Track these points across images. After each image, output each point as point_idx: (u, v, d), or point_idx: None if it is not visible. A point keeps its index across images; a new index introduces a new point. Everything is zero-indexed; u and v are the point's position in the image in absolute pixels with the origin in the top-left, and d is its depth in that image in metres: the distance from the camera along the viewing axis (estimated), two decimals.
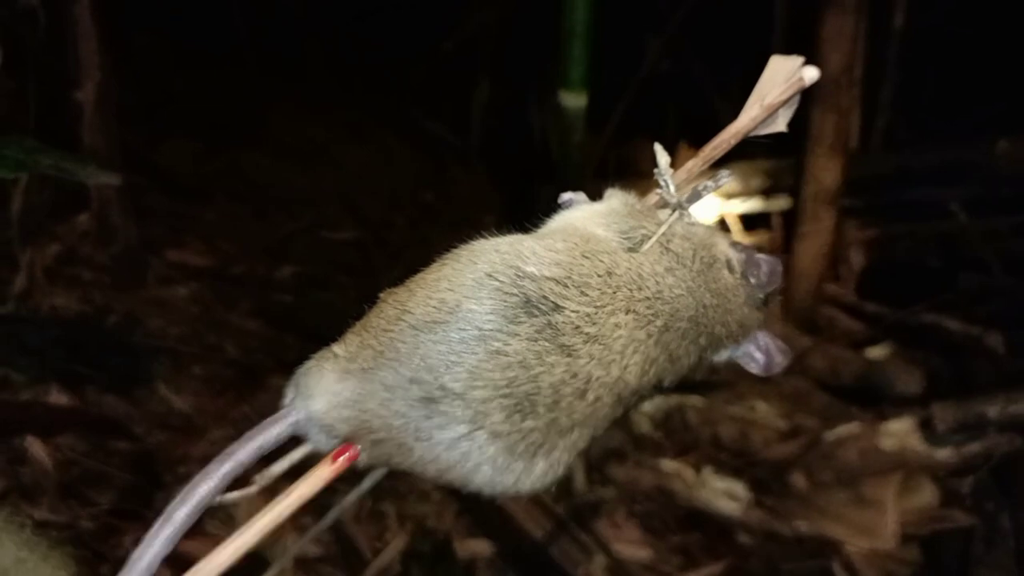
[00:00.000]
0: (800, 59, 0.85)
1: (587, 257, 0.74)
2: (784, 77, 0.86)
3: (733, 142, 0.86)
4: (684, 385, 2.88)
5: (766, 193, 3.51)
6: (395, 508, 2.21)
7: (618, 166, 4.34)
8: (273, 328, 2.83)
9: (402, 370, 0.70)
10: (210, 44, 4.12)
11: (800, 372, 2.86)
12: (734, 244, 0.84)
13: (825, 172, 2.98)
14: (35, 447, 2.01)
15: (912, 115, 3.65)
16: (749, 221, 3.69)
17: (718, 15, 4.02)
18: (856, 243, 3.37)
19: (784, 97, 0.86)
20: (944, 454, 2.35)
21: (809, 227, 3.09)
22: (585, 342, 0.71)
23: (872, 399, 2.67)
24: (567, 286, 0.72)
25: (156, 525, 0.71)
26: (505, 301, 0.70)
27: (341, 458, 0.73)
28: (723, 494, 2.34)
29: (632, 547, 2.21)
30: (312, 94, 4.53)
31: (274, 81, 4.33)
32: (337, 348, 0.75)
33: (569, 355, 0.70)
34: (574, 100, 2.71)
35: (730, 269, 0.82)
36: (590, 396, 0.71)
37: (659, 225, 0.79)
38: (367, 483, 0.83)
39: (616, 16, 3.39)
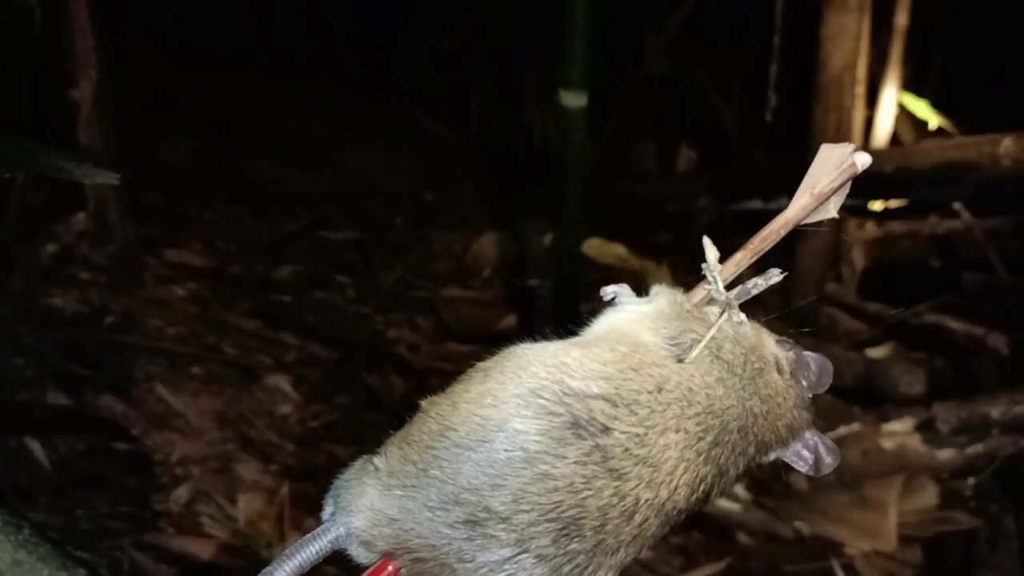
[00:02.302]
0: (852, 146, 0.82)
1: (636, 371, 0.71)
2: (835, 165, 0.84)
3: (783, 232, 0.85)
4: None
5: (766, 193, 3.50)
6: None
7: (618, 166, 4.34)
8: (272, 328, 2.82)
9: (445, 488, 0.68)
10: (209, 44, 4.11)
11: None
12: (781, 343, 0.82)
13: None
14: (33, 448, 2.01)
15: (914, 114, 3.64)
16: (749, 221, 3.69)
17: (718, 15, 4.02)
18: (857, 243, 3.36)
19: (836, 185, 0.84)
20: (946, 455, 2.34)
21: (809, 227, 3.08)
22: (634, 464, 0.68)
23: (874, 400, 2.66)
24: (616, 404, 0.69)
25: None
26: (552, 422, 0.67)
27: (383, 573, 0.71)
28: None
29: None
30: (312, 94, 4.52)
31: (274, 81, 4.32)
32: (378, 461, 0.72)
33: (618, 478, 0.68)
34: (574, 100, 2.70)
35: (779, 371, 0.79)
36: (637, 519, 0.69)
37: (707, 327, 0.76)
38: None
39: (616, 16, 3.38)
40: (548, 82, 2.89)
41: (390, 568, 0.70)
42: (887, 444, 2.38)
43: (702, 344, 0.74)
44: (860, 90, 3.23)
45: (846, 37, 2.94)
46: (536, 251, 3.58)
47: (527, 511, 0.66)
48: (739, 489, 2.36)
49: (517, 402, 0.68)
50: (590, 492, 0.67)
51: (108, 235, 2.72)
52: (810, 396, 0.81)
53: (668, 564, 2.17)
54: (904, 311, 3.08)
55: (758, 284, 0.82)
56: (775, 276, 0.83)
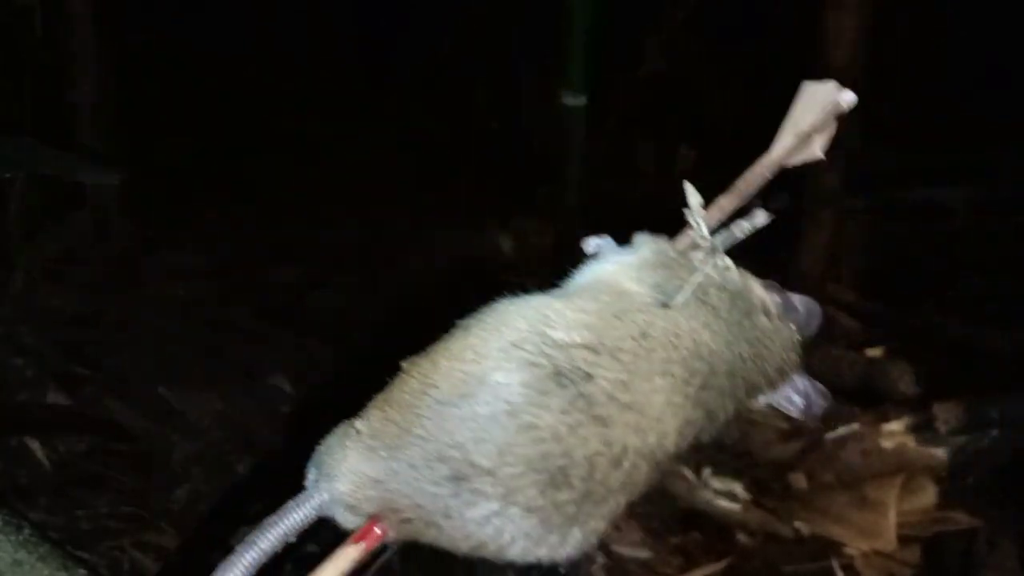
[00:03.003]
0: (833, 83, 0.82)
1: (619, 318, 0.70)
2: (819, 103, 0.83)
3: (768, 175, 0.82)
4: None
5: (766, 193, 3.50)
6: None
7: (618, 166, 4.33)
8: (273, 328, 2.82)
9: (428, 447, 0.67)
10: (209, 44, 4.11)
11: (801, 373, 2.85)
12: (768, 286, 0.82)
13: (826, 172, 2.97)
14: (33, 448, 2.01)
15: (914, 114, 3.64)
16: None
17: (718, 15, 4.02)
18: (857, 243, 3.36)
19: (819, 122, 0.83)
20: (946, 455, 2.34)
21: (809, 227, 3.08)
22: (620, 411, 0.67)
23: (873, 399, 2.66)
24: (598, 352, 0.68)
25: None
26: (534, 372, 0.66)
27: (370, 538, 0.70)
28: (723, 495, 2.33)
29: (632, 547, 2.20)
30: (312, 94, 4.52)
31: (274, 81, 4.32)
32: (359, 424, 0.70)
33: (604, 426, 0.66)
34: (574, 100, 2.71)
35: (767, 314, 0.79)
36: (626, 465, 0.68)
37: (692, 273, 0.75)
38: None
39: (616, 16, 3.38)
40: (548, 82, 2.89)
41: (376, 531, 0.69)
42: (886, 444, 2.38)
43: (687, 289, 0.73)
44: (859, 90, 3.23)
45: (845, 37, 2.93)
46: (536, 251, 3.58)
47: (512, 464, 0.65)
48: (739, 489, 2.36)
49: (498, 355, 0.67)
50: (576, 441, 0.66)
51: (109, 235, 2.72)
52: (799, 338, 0.81)
53: (668, 564, 2.17)
54: (903, 311, 3.08)
55: (744, 227, 0.81)
56: (761, 217, 0.81)
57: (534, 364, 0.67)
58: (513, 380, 0.66)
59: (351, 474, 0.69)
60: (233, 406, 2.43)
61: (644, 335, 0.70)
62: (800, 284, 3.18)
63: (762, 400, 0.80)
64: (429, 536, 0.69)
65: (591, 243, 0.83)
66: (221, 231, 3.31)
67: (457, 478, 0.66)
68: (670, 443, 0.70)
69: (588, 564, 2.07)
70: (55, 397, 2.23)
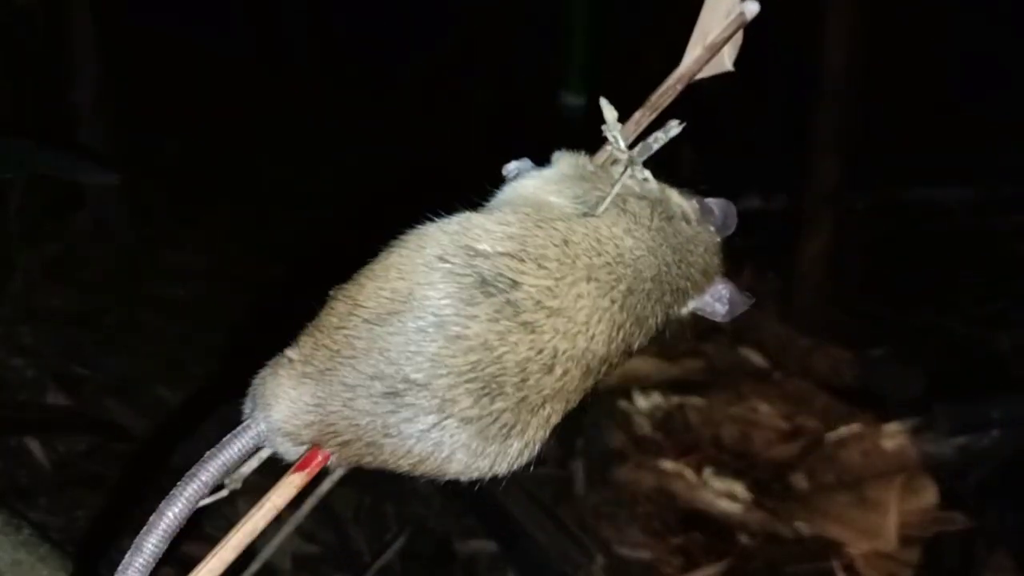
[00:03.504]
0: None
1: (540, 227, 0.71)
2: (724, 13, 0.84)
3: (679, 87, 0.85)
4: (685, 386, 2.85)
5: (766, 193, 3.50)
6: (395, 508, 2.20)
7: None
8: (272, 328, 2.82)
9: (361, 367, 0.67)
10: (209, 44, 4.11)
11: (801, 373, 2.85)
12: (685, 193, 0.83)
13: (826, 172, 2.97)
14: (33, 448, 2.01)
15: (914, 114, 3.64)
16: (749, 221, 3.69)
17: None
18: (857, 243, 3.36)
19: (727, 34, 0.83)
20: (946, 455, 2.34)
21: (809, 227, 3.08)
22: (548, 316, 0.68)
23: (874, 400, 2.66)
24: (523, 260, 0.69)
25: (127, 556, 0.69)
26: (459, 283, 0.67)
27: (311, 464, 0.70)
28: (724, 495, 2.33)
29: (633, 548, 2.20)
30: (312, 94, 4.52)
31: (274, 81, 4.32)
32: (291, 352, 0.72)
33: (532, 332, 0.67)
34: (574, 100, 2.70)
35: (687, 220, 0.80)
36: (558, 370, 0.69)
37: (612, 185, 0.76)
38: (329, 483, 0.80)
39: (616, 16, 3.38)
40: (548, 82, 2.89)
41: (319, 458, 0.69)
42: (887, 444, 2.38)
43: (608, 198, 0.74)
44: (859, 90, 3.23)
45: (846, 37, 2.93)
46: None
47: (444, 375, 0.66)
48: (739, 489, 2.36)
49: (423, 270, 0.69)
50: (506, 348, 0.66)
51: (108, 235, 2.72)
52: (718, 240, 0.82)
53: (668, 564, 2.17)
54: (904, 312, 3.08)
55: (659, 138, 0.82)
56: (674, 128, 0.83)
57: (459, 275, 0.68)
58: (439, 292, 0.67)
59: (287, 401, 0.70)
60: (232, 407, 2.43)
61: (567, 242, 0.71)
62: (800, 284, 3.19)
63: (688, 307, 0.80)
64: (370, 457, 0.69)
65: (510, 166, 0.83)
66: (221, 231, 3.30)
67: (392, 394, 0.66)
68: (600, 347, 0.70)
69: (588, 565, 2.07)
70: (55, 397, 2.22)
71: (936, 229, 3.38)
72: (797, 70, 3.36)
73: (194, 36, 4.11)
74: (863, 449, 2.40)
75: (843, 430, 2.47)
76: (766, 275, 3.57)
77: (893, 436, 2.40)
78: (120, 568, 0.69)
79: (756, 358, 2.94)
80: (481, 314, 0.67)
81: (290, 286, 3.16)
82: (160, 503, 0.68)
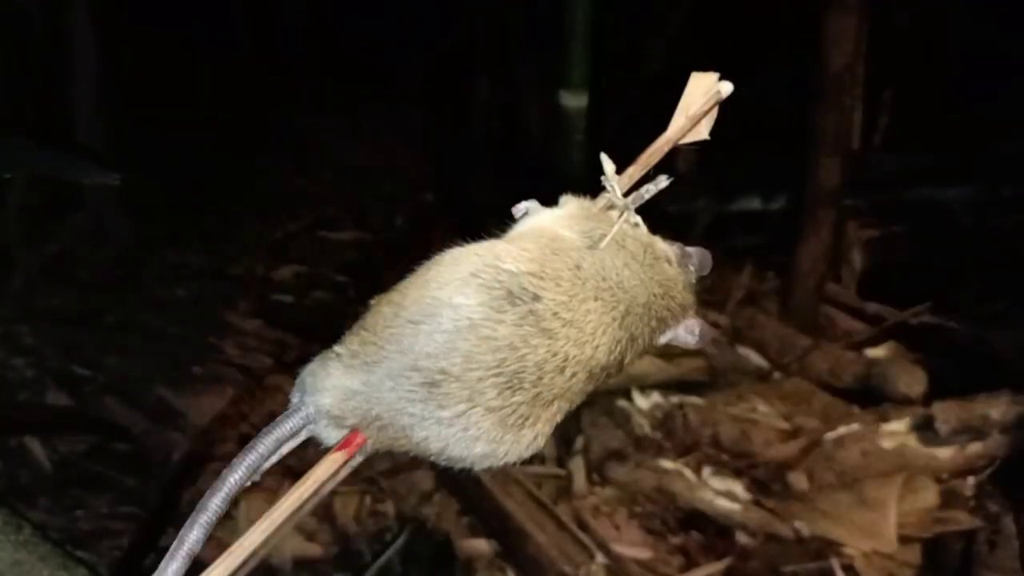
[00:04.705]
0: (716, 75, 0.98)
1: (556, 254, 0.84)
2: (703, 91, 0.99)
3: (666, 149, 1.00)
4: (684, 386, 2.84)
5: (766, 193, 3.49)
6: (395, 508, 2.20)
7: (618, 166, 4.33)
8: (272, 328, 2.82)
9: (403, 359, 0.78)
10: (210, 43, 4.11)
11: (801, 373, 2.85)
12: (668, 242, 0.98)
13: (826, 172, 2.97)
14: (33, 448, 2.01)
15: (914, 114, 3.64)
16: (749, 221, 3.69)
17: (718, 15, 4.01)
18: (857, 243, 3.36)
19: (705, 109, 0.98)
20: (946, 455, 2.34)
21: (809, 227, 3.08)
22: (563, 326, 0.81)
23: (874, 400, 2.66)
24: (543, 278, 0.81)
25: (192, 515, 0.77)
26: (490, 294, 0.79)
27: (352, 444, 0.80)
28: (723, 495, 2.34)
29: (632, 547, 2.20)
30: (312, 94, 4.52)
31: (274, 81, 4.32)
32: (338, 348, 0.82)
33: (550, 337, 0.80)
34: (574, 100, 2.70)
35: (669, 262, 0.95)
36: (568, 372, 0.81)
37: (612, 225, 0.91)
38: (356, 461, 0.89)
39: (616, 16, 3.38)
40: (548, 82, 2.89)
41: (358, 439, 0.80)
42: (887, 444, 2.38)
43: (611, 234, 0.90)
44: (859, 91, 3.23)
45: (846, 37, 2.93)
46: None
47: (476, 368, 0.78)
48: (739, 489, 2.36)
49: (459, 283, 0.81)
50: (527, 350, 0.80)
51: (108, 235, 2.72)
52: (694, 280, 0.98)
53: (668, 564, 2.18)
54: (904, 312, 3.08)
55: (649, 189, 0.98)
56: (663, 181, 0.98)
57: (490, 288, 0.80)
58: (473, 301, 0.79)
59: (334, 388, 0.80)
60: (233, 406, 2.44)
61: (578, 267, 0.85)
62: (800, 284, 3.19)
63: (667, 336, 0.95)
64: (404, 440, 0.80)
65: (520, 206, 0.98)
66: (221, 231, 3.31)
67: (429, 384, 0.78)
68: (602, 355, 0.84)
69: (588, 564, 2.07)
70: (55, 397, 2.23)
71: (936, 229, 3.38)
72: (797, 70, 3.36)
73: (194, 36, 4.11)
74: (863, 449, 2.40)
75: (843, 430, 2.47)
76: (766, 275, 3.58)
77: (893, 436, 2.40)
78: (186, 525, 0.76)
79: (756, 358, 2.94)
80: (508, 320, 0.79)
81: (291, 286, 3.17)
82: (223, 471, 0.78)
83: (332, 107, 4.46)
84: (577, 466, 2.41)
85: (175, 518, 2.05)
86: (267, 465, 0.82)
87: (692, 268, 0.98)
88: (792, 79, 3.70)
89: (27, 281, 2.53)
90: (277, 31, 4.60)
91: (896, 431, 2.40)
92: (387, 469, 2.34)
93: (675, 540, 2.25)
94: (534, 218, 0.95)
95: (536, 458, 2.40)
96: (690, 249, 0.99)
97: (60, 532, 1.85)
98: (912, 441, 2.37)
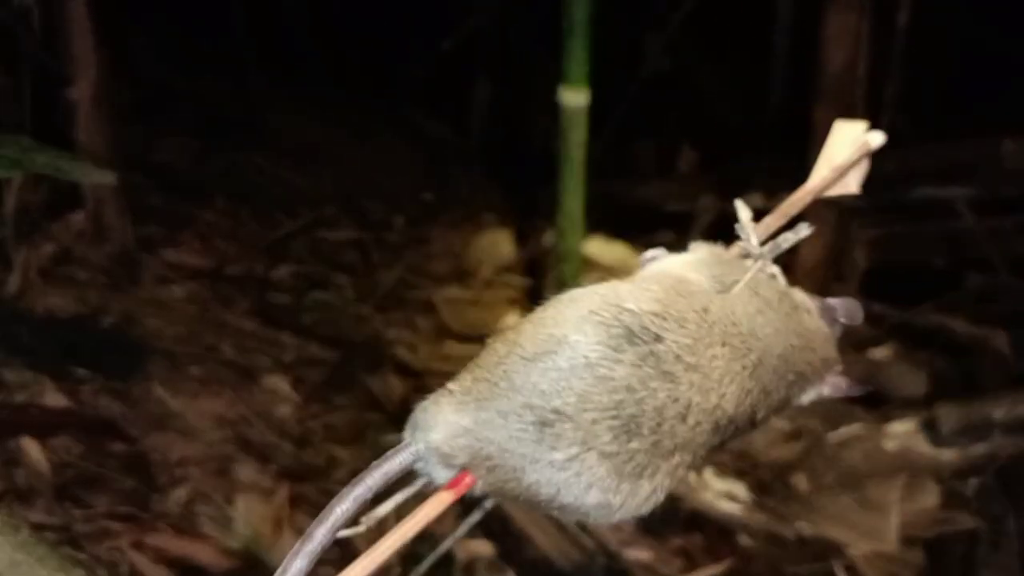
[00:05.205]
0: (864, 124, 0.93)
1: (682, 296, 0.79)
2: (851, 141, 0.94)
3: (808, 199, 0.96)
4: None
5: (766, 193, 3.49)
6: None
7: (618, 166, 4.33)
8: (271, 328, 2.82)
9: (516, 397, 0.74)
10: (209, 43, 4.11)
11: None
12: (807, 294, 0.93)
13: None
14: (30, 449, 2.00)
15: (917, 114, 3.64)
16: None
17: (718, 15, 4.01)
18: (859, 243, 3.35)
19: (852, 160, 0.93)
20: (949, 456, 2.33)
21: (811, 227, 3.07)
22: (685, 370, 0.75)
23: (876, 400, 2.65)
24: (666, 319, 0.76)
25: (298, 544, 0.76)
26: (609, 332, 0.75)
27: (461, 485, 0.78)
28: (725, 496, 2.33)
29: (633, 549, 2.20)
30: (312, 94, 4.51)
31: (274, 81, 4.31)
32: (451, 385, 0.79)
33: (671, 381, 0.74)
34: (575, 99, 2.70)
35: (808, 313, 0.90)
36: (691, 420, 0.76)
37: (745, 272, 0.86)
38: (476, 516, 0.88)
39: (616, 16, 3.38)
40: (549, 81, 2.88)
41: (468, 480, 0.78)
42: (889, 445, 2.38)
43: (746, 278, 0.85)
44: (861, 90, 3.22)
45: (847, 36, 2.93)
46: (536, 251, 3.58)
47: (591, 409, 0.73)
48: (740, 490, 2.35)
49: (577, 320, 0.76)
50: (646, 392, 0.74)
51: (106, 235, 2.72)
52: (837, 335, 0.93)
53: (669, 565, 2.17)
54: (906, 312, 3.07)
55: (788, 238, 0.93)
56: (804, 230, 0.93)
57: (609, 326, 0.75)
58: (591, 339, 0.74)
59: (445, 425, 0.76)
60: (232, 407, 2.43)
61: (706, 310, 0.79)
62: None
63: (810, 395, 0.90)
64: (514, 483, 0.76)
65: (648, 254, 0.93)
66: (221, 231, 3.30)
67: (542, 424, 0.73)
68: (729, 406, 0.78)
69: (588, 565, 2.06)
70: (54, 397, 2.22)
71: (937, 229, 3.37)
72: (797, 70, 3.36)
73: (194, 36, 4.10)
74: (864, 450, 2.39)
75: (844, 431, 2.46)
76: None
77: (895, 437, 2.39)
78: (290, 554, 0.75)
79: None
80: (627, 360, 0.74)
81: (291, 286, 3.16)
82: (331, 502, 0.77)
83: (332, 107, 4.45)
84: None
85: (175, 518, 2.05)
86: (380, 513, 0.82)
87: (841, 320, 0.93)
88: (792, 79, 3.70)
89: (26, 281, 2.52)
90: (277, 31, 4.59)
91: (898, 432, 2.39)
92: None
93: (676, 541, 2.24)
94: (662, 262, 0.90)
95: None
96: (833, 301, 0.94)
97: (58, 533, 1.84)
98: (914, 442, 2.36)
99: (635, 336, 0.75)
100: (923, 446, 2.34)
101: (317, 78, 4.65)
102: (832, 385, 0.91)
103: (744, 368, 0.79)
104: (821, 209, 3.04)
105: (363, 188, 4.00)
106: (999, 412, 2.30)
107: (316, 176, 3.96)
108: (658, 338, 0.75)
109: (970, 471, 2.33)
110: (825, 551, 2.21)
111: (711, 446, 0.79)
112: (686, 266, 0.86)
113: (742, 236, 0.92)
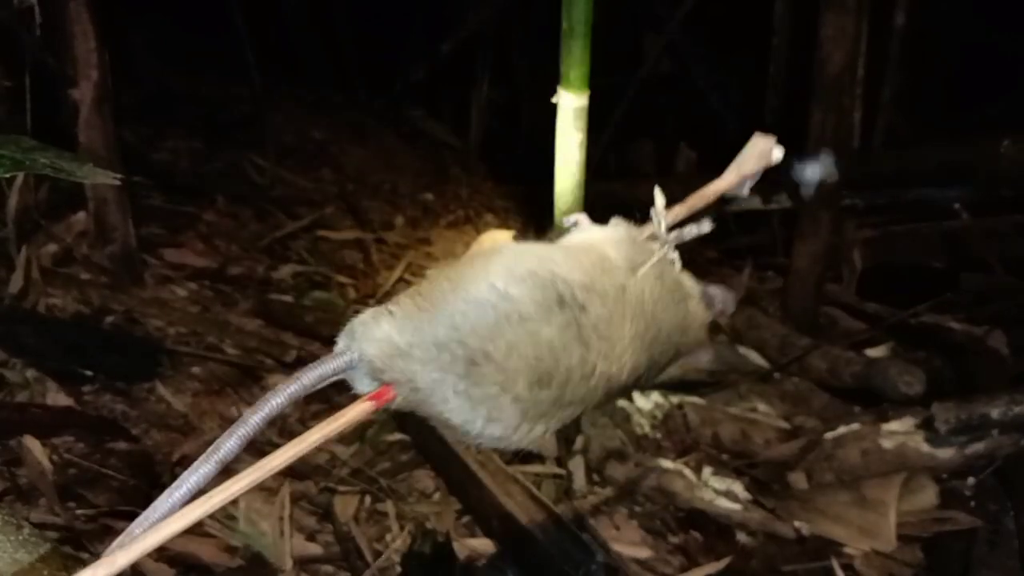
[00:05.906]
0: (773, 139, 1.05)
1: (605, 273, 0.90)
2: (759, 154, 1.05)
3: (712, 198, 1.07)
4: (684, 386, 2.84)
5: (766, 193, 3.50)
6: (395, 508, 2.20)
7: (618, 166, 4.33)
8: (272, 328, 2.82)
9: (452, 334, 0.81)
10: (210, 43, 4.11)
11: (800, 372, 2.86)
12: (694, 280, 1.05)
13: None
14: (33, 448, 2.00)
15: (913, 114, 3.64)
16: (749, 221, 3.69)
17: (718, 15, 4.02)
18: (857, 243, 3.36)
19: (756, 170, 1.06)
20: (946, 455, 2.34)
21: (809, 227, 3.08)
22: (599, 339, 0.86)
23: (873, 399, 2.66)
24: (591, 292, 0.86)
25: (232, 426, 0.79)
26: (544, 293, 0.84)
27: (383, 398, 0.83)
28: (723, 494, 2.33)
29: (632, 547, 2.20)
30: (312, 94, 4.52)
31: (274, 81, 4.32)
32: (391, 307, 0.86)
33: (585, 347, 0.84)
34: (574, 100, 2.70)
35: (694, 300, 1.02)
36: (592, 382, 0.86)
37: (652, 256, 0.97)
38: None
39: (616, 16, 3.38)
40: (547, 82, 2.89)
41: (389, 395, 0.83)
42: (886, 444, 2.38)
43: (651, 261, 0.95)
44: (859, 91, 3.23)
45: (845, 37, 2.93)
46: None
47: (516, 358, 0.82)
48: (738, 489, 2.36)
49: (519, 276, 0.85)
50: (564, 353, 0.84)
51: (108, 235, 2.72)
52: (711, 318, 1.05)
53: (667, 564, 2.18)
54: (903, 311, 3.08)
55: (691, 230, 1.04)
56: (706, 225, 1.05)
57: (545, 287, 0.84)
58: (527, 296, 0.83)
59: (382, 342, 0.83)
60: (233, 406, 2.44)
61: (623, 289, 0.90)
62: (800, 284, 3.19)
63: (681, 360, 1.02)
64: (428, 406, 0.83)
65: (571, 218, 1.06)
66: (221, 231, 3.31)
67: (471, 361, 0.81)
68: (624, 374, 0.89)
69: (588, 564, 2.07)
70: (55, 397, 2.22)
71: (936, 229, 3.38)
72: (795, 71, 3.36)
73: (194, 36, 4.11)
74: (862, 448, 2.40)
75: (842, 429, 2.47)
76: (766, 275, 3.58)
77: (892, 436, 2.39)
78: (224, 434, 0.79)
79: (756, 358, 2.94)
80: (555, 322, 0.84)
81: (291, 286, 3.17)
82: (266, 395, 0.82)
83: (332, 107, 4.46)
84: (577, 466, 2.41)
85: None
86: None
87: (718, 307, 1.05)
88: (790, 80, 3.71)
89: (26, 280, 2.52)
90: (277, 31, 4.60)
91: (896, 431, 2.40)
92: (387, 469, 2.34)
93: (675, 540, 2.25)
94: (586, 233, 1.01)
95: (536, 458, 2.40)
96: (712, 289, 1.06)
97: (60, 532, 1.85)
98: (912, 441, 2.37)
99: (565, 303, 0.84)
100: (921, 445, 2.35)
101: (317, 78, 4.67)
102: (695, 356, 1.04)
103: (642, 343, 0.91)
104: (819, 210, 3.05)
105: (363, 188, 4.01)
106: (996, 411, 2.30)
107: (316, 176, 3.96)
108: (583, 308, 0.85)
109: (968, 470, 2.34)
110: (823, 549, 2.22)
111: (598, 404, 0.90)
112: (607, 243, 0.96)
113: (654, 220, 1.03)
